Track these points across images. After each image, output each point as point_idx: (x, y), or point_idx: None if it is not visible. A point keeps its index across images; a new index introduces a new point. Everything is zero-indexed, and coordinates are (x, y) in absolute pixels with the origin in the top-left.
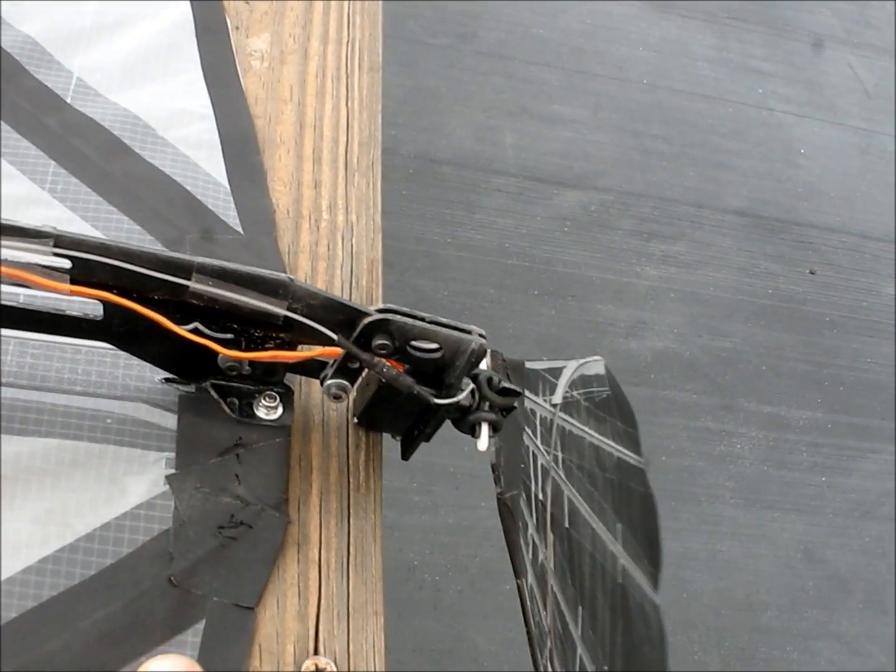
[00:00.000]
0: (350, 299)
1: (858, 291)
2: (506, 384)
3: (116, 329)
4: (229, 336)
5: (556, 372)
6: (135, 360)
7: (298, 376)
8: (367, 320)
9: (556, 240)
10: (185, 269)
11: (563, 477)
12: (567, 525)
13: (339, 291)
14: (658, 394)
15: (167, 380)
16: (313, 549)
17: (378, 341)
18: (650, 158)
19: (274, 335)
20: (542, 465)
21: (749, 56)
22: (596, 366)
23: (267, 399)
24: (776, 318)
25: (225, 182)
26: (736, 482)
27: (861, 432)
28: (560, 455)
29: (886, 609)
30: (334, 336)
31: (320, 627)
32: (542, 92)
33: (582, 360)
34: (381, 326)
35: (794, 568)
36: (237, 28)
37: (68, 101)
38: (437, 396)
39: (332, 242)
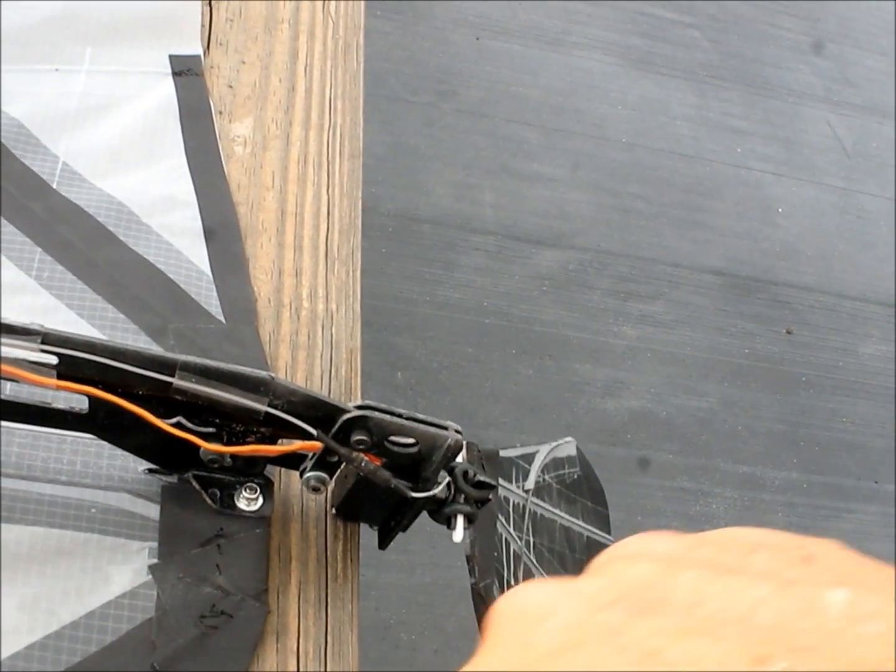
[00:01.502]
0: (329, 388)
1: (835, 351)
2: (481, 477)
3: (101, 422)
4: (211, 430)
5: (529, 458)
6: (119, 451)
7: (279, 468)
8: (345, 416)
9: (534, 299)
10: (169, 367)
11: (535, 561)
12: None
13: (318, 381)
14: (634, 454)
15: (150, 470)
16: (292, 638)
17: (356, 437)
18: (628, 217)
19: (255, 429)
20: (514, 550)
21: (727, 115)
22: (567, 447)
23: (248, 491)
24: (752, 378)
25: (208, 270)
26: None
27: (836, 492)
28: (532, 539)
29: None
30: (314, 432)
31: None
32: (521, 150)
33: (554, 444)
34: (359, 423)
35: None
36: (220, 112)
37: (54, 186)
38: (413, 490)
39: (312, 331)
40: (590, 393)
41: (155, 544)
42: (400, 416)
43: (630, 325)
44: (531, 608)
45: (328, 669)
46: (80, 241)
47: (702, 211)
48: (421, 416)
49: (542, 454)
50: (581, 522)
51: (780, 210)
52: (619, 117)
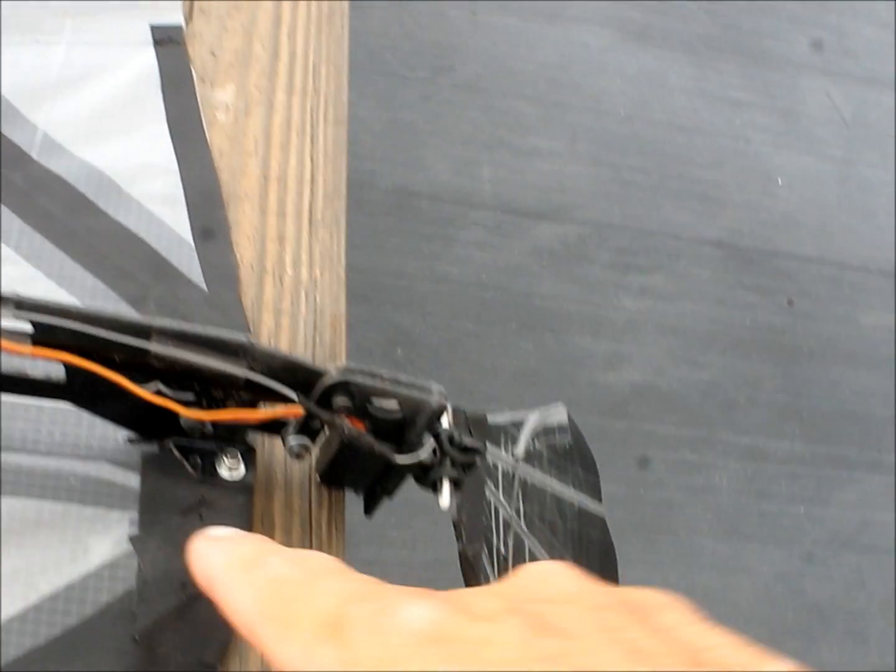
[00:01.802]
0: (313, 356)
1: (836, 321)
2: (467, 441)
3: (78, 390)
4: (191, 396)
5: (519, 423)
6: (97, 420)
7: (261, 434)
8: (327, 380)
9: (534, 273)
10: (145, 332)
11: (525, 529)
12: None
13: (301, 347)
14: (636, 426)
15: (130, 439)
16: None
17: (338, 400)
18: (627, 190)
19: (235, 395)
20: (503, 518)
21: (726, 86)
22: (558, 414)
23: (229, 458)
24: (754, 349)
25: (189, 238)
26: (714, 514)
27: (840, 462)
28: (522, 507)
29: (866, 639)
30: (294, 396)
31: None
32: (519, 124)
33: (545, 410)
34: (340, 386)
35: (772, 599)
36: (202, 80)
37: (34, 156)
38: (397, 454)
39: (295, 298)
40: (591, 366)
41: (135, 514)
42: (382, 378)
43: (630, 298)
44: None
45: None
46: (60, 210)
47: (701, 183)
48: (404, 379)
49: (533, 421)
50: (572, 490)
51: (779, 181)
52: (617, 90)
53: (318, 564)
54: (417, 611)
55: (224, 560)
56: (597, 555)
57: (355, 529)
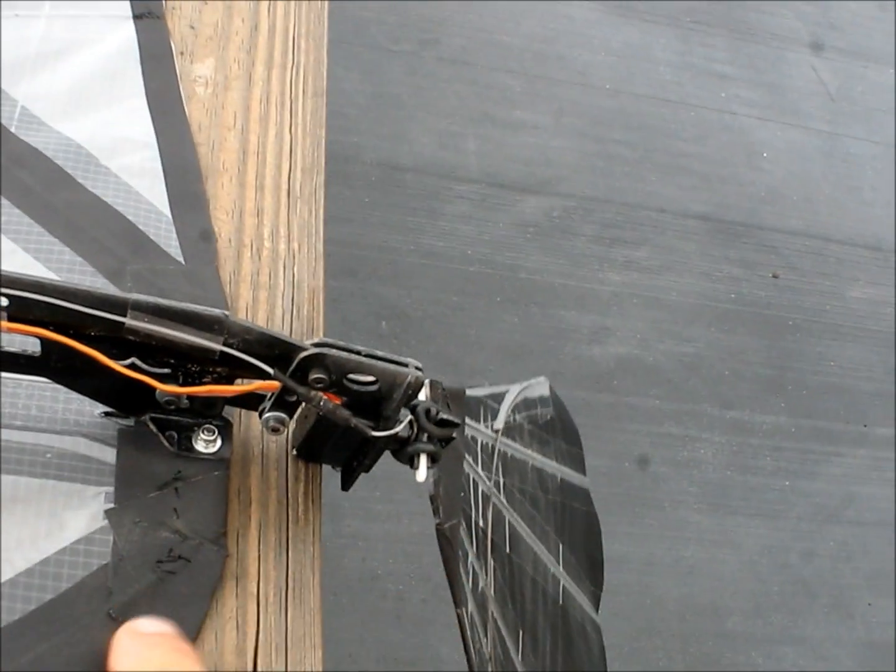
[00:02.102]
0: (291, 329)
1: (821, 295)
2: (444, 415)
3: (55, 365)
4: (166, 371)
5: (499, 397)
6: (74, 395)
7: (238, 409)
8: (302, 354)
9: (519, 246)
10: (120, 306)
11: (505, 502)
12: (508, 550)
13: (279, 321)
14: (621, 400)
15: (106, 413)
16: (252, 582)
17: (314, 375)
18: (613, 164)
19: (211, 369)
20: (482, 491)
21: (711, 60)
22: (540, 387)
23: (206, 432)
24: (739, 323)
25: (167, 211)
26: (699, 487)
27: (825, 436)
28: (502, 480)
29: (852, 613)
30: (270, 370)
31: (258, 661)
32: (504, 98)
33: (525, 383)
34: (316, 360)
35: (758, 573)
36: (182, 53)
37: (12, 130)
38: (374, 429)
39: (273, 271)
40: (576, 340)
41: (111, 489)
42: (358, 353)
43: (615, 271)
44: None
45: (289, 613)
46: (38, 184)
47: (686, 156)
48: (380, 353)
49: (513, 394)
50: (554, 463)
51: (764, 155)
52: (602, 64)
53: None
54: None
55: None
56: (581, 527)
57: (339, 503)
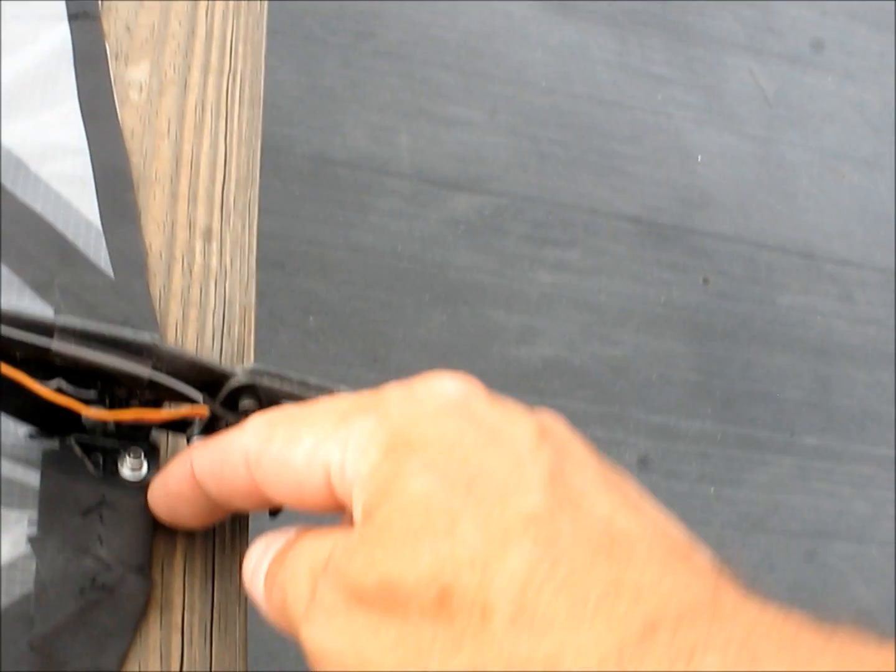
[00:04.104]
0: (221, 349)
1: (752, 301)
2: None
3: None
4: (93, 395)
5: None
6: None
7: (165, 433)
8: (233, 383)
9: (449, 244)
10: (47, 330)
11: None
12: None
13: (210, 340)
14: (547, 402)
15: (30, 435)
16: (176, 613)
17: (245, 403)
18: (546, 163)
19: (139, 394)
20: None
21: (649, 61)
22: None
23: (132, 457)
24: (668, 327)
25: (97, 221)
26: None
27: (751, 443)
28: None
29: None
30: (199, 397)
31: None
32: (439, 93)
33: None
34: (247, 389)
35: None
36: (116, 56)
37: None
38: None
39: (204, 287)
40: (503, 340)
41: (35, 513)
42: (290, 381)
43: (545, 272)
44: None
45: (214, 646)
46: None
47: (620, 157)
48: (313, 382)
49: None
50: None
51: (699, 158)
52: (538, 62)
53: None
54: (448, 384)
55: None
56: None
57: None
